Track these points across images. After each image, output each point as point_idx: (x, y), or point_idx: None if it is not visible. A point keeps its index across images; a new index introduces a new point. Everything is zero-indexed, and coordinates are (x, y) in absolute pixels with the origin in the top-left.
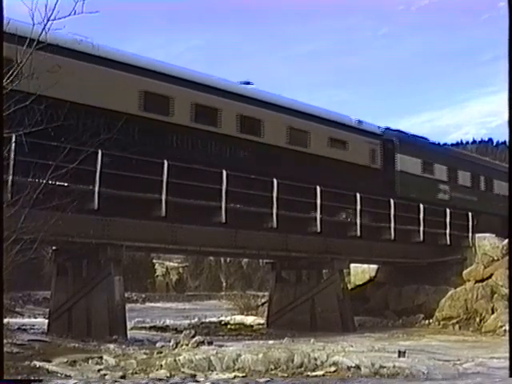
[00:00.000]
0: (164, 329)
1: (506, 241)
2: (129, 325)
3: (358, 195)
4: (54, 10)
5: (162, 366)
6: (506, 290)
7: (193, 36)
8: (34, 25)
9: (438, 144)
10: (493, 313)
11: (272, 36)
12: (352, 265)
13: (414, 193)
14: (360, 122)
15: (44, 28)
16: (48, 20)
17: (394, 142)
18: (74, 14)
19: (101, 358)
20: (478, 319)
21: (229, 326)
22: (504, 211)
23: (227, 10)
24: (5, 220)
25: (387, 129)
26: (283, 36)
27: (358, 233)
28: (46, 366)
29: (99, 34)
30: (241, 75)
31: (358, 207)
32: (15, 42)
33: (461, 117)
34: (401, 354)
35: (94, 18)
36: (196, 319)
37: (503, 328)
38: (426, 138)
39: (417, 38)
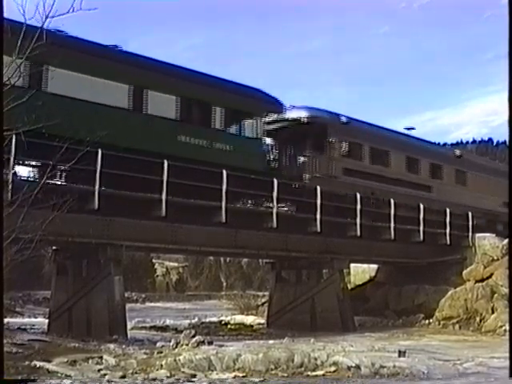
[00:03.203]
0: (164, 329)
1: (506, 241)
2: (129, 325)
3: (358, 195)
4: (52, 7)
5: (162, 365)
6: (505, 290)
7: (193, 34)
8: (25, 20)
9: None
10: (493, 312)
11: (272, 34)
12: (352, 265)
13: None
14: None
15: (42, 25)
16: (46, 17)
17: None
18: (73, 11)
19: (101, 357)
20: (478, 319)
21: (229, 326)
22: None
23: (227, 9)
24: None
25: None
26: (284, 34)
27: (358, 233)
28: (46, 365)
29: (99, 32)
30: (240, 74)
31: (358, 207)
32: None
33: (462, 116)
34: (401, 353)
35: (94, 17)
36: (196, 319)
37: (503, 328)
38: None
39: (418, 36)
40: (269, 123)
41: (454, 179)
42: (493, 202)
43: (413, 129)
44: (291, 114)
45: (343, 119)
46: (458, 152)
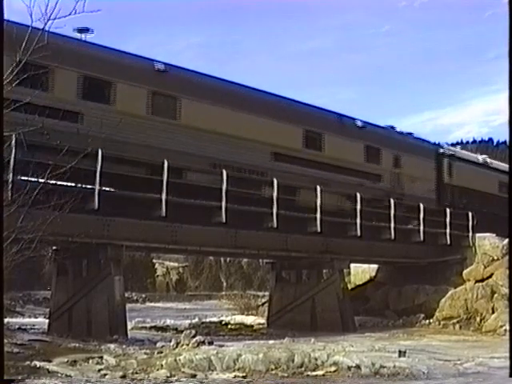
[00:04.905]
0: (164, 329)
1: (506, 240)
2: (129, 325)
3: (359, 195)
4: (54, 8)
5: (162, 365)
6: (506, 290)
7: (192, 34)
8: (32, 22)
9: None
10: (493, 312)
11: (273, 34)
12: (352, 265)
13: None
14: None
15: (44, 27)
16: (48, 19)
17: None
18: (75, 13)
19: (101, 357)
20: (478, 319)
21: (229, 326)
22: None
23: (227, 8)
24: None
25: None
26: (284, 34)
27: (358, 233)
28: (47, 365)
29: (99, 31)
30: (241, 74)
31: (359, 207)
32: None
33: (464, 115)
34: (401, 353)
35: (94, 16)
36: (196, 319)
37: (503, 328)
38: None
39: (419, 35)
40: None
41: (144, 108)
42: (254, 153)
43: None
44: None
45: None
46: (161, 66)
